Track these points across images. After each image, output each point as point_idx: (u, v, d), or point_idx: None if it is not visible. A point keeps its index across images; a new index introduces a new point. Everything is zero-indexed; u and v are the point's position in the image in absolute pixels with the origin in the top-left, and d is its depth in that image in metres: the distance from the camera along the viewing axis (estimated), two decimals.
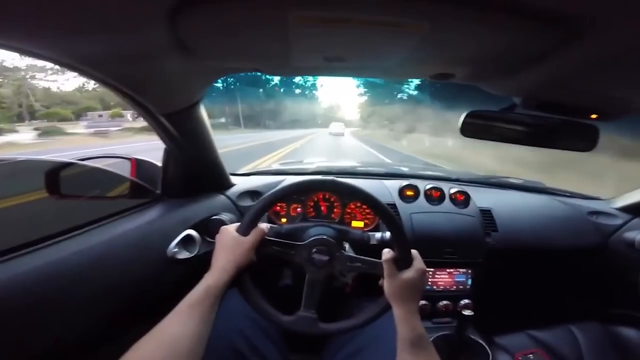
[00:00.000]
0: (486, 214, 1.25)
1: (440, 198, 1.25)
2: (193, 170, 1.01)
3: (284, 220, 1.16)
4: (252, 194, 1.19)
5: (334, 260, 0.73)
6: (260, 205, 0.71)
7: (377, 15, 0.44)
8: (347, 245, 0.87)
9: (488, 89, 0.75)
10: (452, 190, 1.26)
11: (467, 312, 1.02)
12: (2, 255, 0.60)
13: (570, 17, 0.41)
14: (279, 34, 0.50)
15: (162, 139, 0.89)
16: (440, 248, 1.15)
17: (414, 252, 0.70)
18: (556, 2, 0.39)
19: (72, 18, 0.42)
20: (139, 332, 0.53)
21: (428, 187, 1.27)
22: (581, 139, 0.78)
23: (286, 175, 1.38)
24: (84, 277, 0.66)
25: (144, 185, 0.96)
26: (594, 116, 0.74)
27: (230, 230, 0.70)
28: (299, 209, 1.16)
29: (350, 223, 1.16)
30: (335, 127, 28.16)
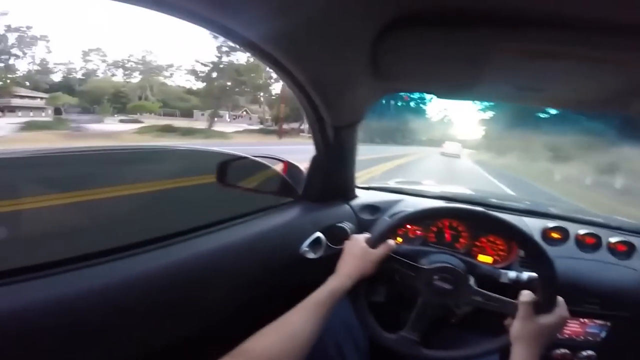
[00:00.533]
0: None
1: (596, 246, 1.08)
2: (331, 178, 1.09)
3: (399, 240, 1.14)
4: (371, 208, 1.22)
5: (458, 290, 0.71)
6: (395, 222, 0.74)
7: (584, 49, 0.42)
8: (472, 280, 0.82)
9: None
10: (612, 239, 1.07)
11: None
12: (150, 244, 0.65)
13: None
14: (477, 63, 0.52)
15: (317, 146, 1.00)
16: (583, 298, 1.00)
17: (559, 298, 0.66)
18: None
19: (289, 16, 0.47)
20: (265, 320, 0.58)
21: (581, 231, 1.10)
22: None
23: (405, 194, 1.37)
24: (224, 270, 0.74)
25: (290, 185, 1.09)
26: None
27: (360, 240, 0.74)
28: (418, 232, 1.13)
29: (476, 256, 1.08)
30: (451, 147, 22.77)
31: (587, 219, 1.26)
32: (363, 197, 1.27)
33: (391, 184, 1.59)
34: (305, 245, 0.95)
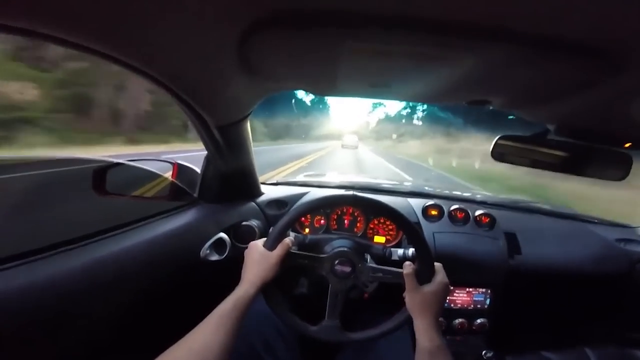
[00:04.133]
0: (511, 237, 1.25)
1: (465, 219, 1.26)
2: (230, 177, 1.06)
3: (307, 230, 1.20)
4: (279, 203, 1.24)
5: (356, 271, 0.76)
6: (285, 221, 0.75)
7: (424, 47, 0.48)
8: (368, 258, 0.90)
9: (522, 116, 0.77)
10: (478, 213, 1.26)
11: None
12: (40, 253, 0.61)
13: (610, 52, 0.43)
14: (333, 61, 0.55)
15: (206, 147, 0.95)
16: (461, 268, 1.15)
17: (437, 265, 0.73)
18: (597, 38, 0.41)
19: (154, 31, 0.46)
20: (170, 330, 0.57)
21: (453, 207, 1.28)
22: (614, 168, 0.78)
23: (311, 187, 1.42)
24: (121, 276, 0.69)
25: (183, 189, 1.02)
26: (627, 145, 0.74)
27: (258, 245, 0.74)
28: (322, 221, 1.20)
29: (372, 238, 1.19)
30: (349, 139, 26.38)
31: (457, 196, 1.50)
32: (269, 193, 1.27)
33: (298, 178, 1.63)
34: (206, 248, 0.91)
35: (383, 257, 0.91)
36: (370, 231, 1.19)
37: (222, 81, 0.65)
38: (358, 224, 1.20)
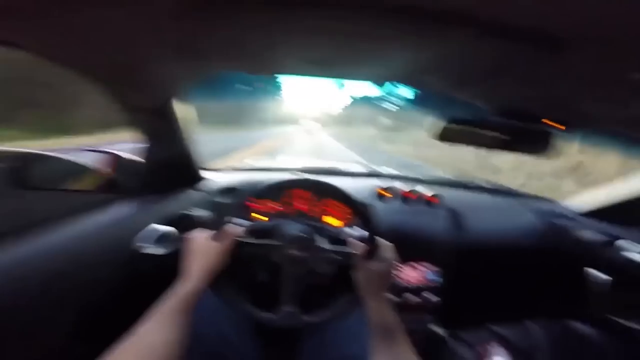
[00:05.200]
0: (455, 214, 1.33)
1: (414, 199, 1.32)
2: (168, 165, 1.00)
3: (259, 217, 1.16)
4: (229, 190, 1.19)
5: (310, 255, 0.76)
6: (231, 209, 0.72)
7: (360, 26, 0.47)
8: (323, 241, 0.90)
9: (460, 96, 0.80)
10: (425, 191, 1.32)
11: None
12: None
13: (544, 36, 0.45)
14: (266, 37, 0.53)
15: (137, 133, 0.88)
16: (410, 246, 1.19)
17: (384, 242, 0.74)
18: (533, 21, 0.42)
19: (69, 13, 0.42)
20: (112, 331, 0.53)
21: (402, 187, 1.33)
22: (544, 146, 0.83)
23: (263, 172, 1.39)
24: (52, 274, 0.64)
25: (119, 179, 0.94)
26: (558, 125, 0.80)
27: (200, 236, 0.69)
28: (274, 206, 1.17)
29: (326, 220, 1.19)
30: (310, 125, 28.43)
31: (407, 176, 1.56)
32: (217, 179, 1.23)
33: (251, 163, 1.58)
34: (144, 242, 0.85)
35: (337, 239, 0.91)
36: (324, 213, 1.19)
37: (147, 62, 0.60)
38: (312, 207, 1.19)
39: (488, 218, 1.39)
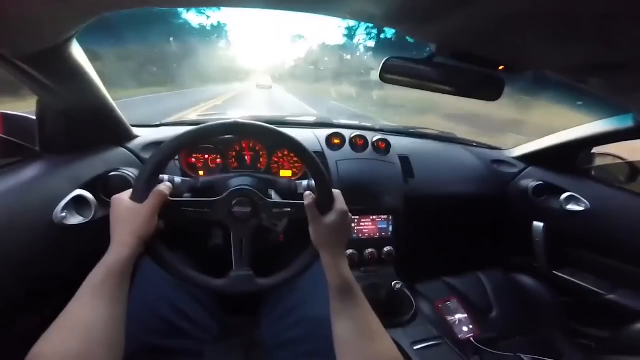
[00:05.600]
0: (405, 161, 1.33)
1: (364, 146, 1.30)
2: (77, 120, 0.85)
3: (201, 173, 1.05)
4: (157, 144, 1.03)
5: (258, 210, 0.67)
6: (153, 162, 0.60)
7: None
8: (274, 194, 0.83)
9: (406, 34, 0.74)
10: (375, 138, 1.31)
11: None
12: None
13: None
14: None
15: (28, 87, 0.72)
16: (363, 195, 1.19)
17: (335, 192, 0.67)
18: None
19: None
20: (39, 310, 0.48)
21: (353, 135, 1.30)
22: (489, 89, 0.83)
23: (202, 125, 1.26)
24: None
25: (14, 142, 0.79)
26: (501, 68, 0.78)
27: (123, 198, 0.59)
28: (218, 160, 1.06)
29: (278, 173, 1.11)
30: (262, 79, 26.94)
31: (358, 125, 1.52)
32: (147, 136, 1.09)
33: (190, 117, 1.45)
34: (59, 210, 0.74)
35: (289, 192, 0.85)
36: (275, 165, 1.11)
37: None
38: (261, 159, 1.09)
39: (436, 164, 1.41)
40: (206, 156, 1.05)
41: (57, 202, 0.74)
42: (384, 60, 0.76)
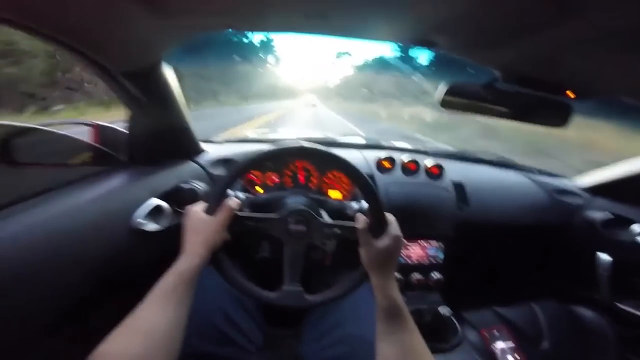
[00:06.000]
0: (459, 187, 1.28)
1: (416, 170, 1.27)
2: (160, 135, 0.95)
3: (259, 189, 1.12)
4: (227, 162, 1.14)
5: (311, 229, 0.71)
6: (226, 180, 0.67)
7: None
8: (325, 215, 0.86)
9: (470, 60, 0.74)
10: (428, 163, 1.27)
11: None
12: None
13: None
14: None
15: (123, 102, 0.83)
16: (414, 219, 1.17)
17: (389, 217, 0.69)
18: None
19: None
20: (110, 308, 0.51)
21: (405, 159, 1.28)
22: (555, 116, 0.80)
23: (262, 143, 1.33)
24: (39, 252, 0.61)
25: (106, 152, 0.89)
26: (569, 94, 0.75)
27: (197, 210, 0.66)
28: (275, 178, 1.13)
29: (328, 193, 1.15)
30: (308, 98, 30.82)
31: (409, 148, 1.50)
32: (215, 151, 1.17)
33: (250, 135, 1.53)
34: (138, 217, 0.82)
35: (339, 212, 0.87)
36: (326, 186, 1.14)
37: (116, 19, 0.54)
38: (312, 179, 1.14)
39: (492, 192, 1.34)
40: (265, 174, 1.12)
41: (136, 209, 0.82)
42: (443, 86, 0.76)
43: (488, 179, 1.40)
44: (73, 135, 0.86)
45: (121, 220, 0.80)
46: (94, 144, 0.88)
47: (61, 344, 0.60)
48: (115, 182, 0.84)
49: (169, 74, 0.85)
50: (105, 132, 0.90)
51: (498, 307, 1.29)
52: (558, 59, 0.63)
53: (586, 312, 1.32)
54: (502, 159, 1.62)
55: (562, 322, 1.27)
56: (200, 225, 0.64)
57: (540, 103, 0.78)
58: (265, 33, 0.73)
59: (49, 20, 0.51)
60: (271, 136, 1.53)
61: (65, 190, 0.75)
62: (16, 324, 0.57)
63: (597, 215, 1.31)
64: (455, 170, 1.33)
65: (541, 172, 1.55)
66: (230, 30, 0.70)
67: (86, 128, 0.89)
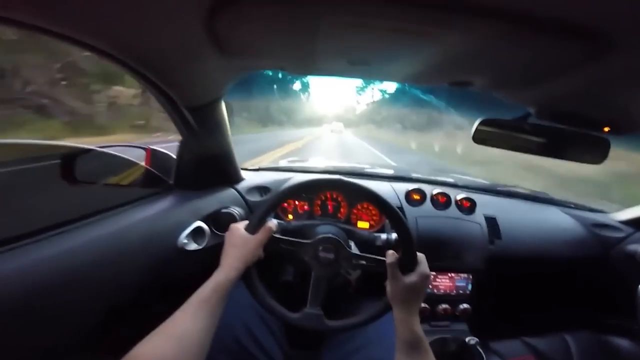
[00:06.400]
0: (491, 221, 1.26)
1: (447, 204, 1.26)
2: (206, 163, 1.02)
3: (290, 217, 1.17)
4: (261, 189, 1.20)
5: (339, 258, 0.75)
6: (268, 204, 0.73)
7: (404, 23, 0.45)
8: (352, 245, 0.88)
9: (504, 98, 0.76)
10: (459, 197, 1.26)
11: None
12: (6, 244, 0.58)
13: (595, 34, 0.41)
14: (308, 36, 0.52)
15: (180, 130, 0.91)
16: (443, 252, 1.16)
17: (420, 255, 0.71)
18: (583, 19, 0.40)
19: (115, 9, 0.43)
20: (149, 321, 0.54)
21: (435, 192, 1.27)
22: (592, 152, 0.78)
23: (294, 172, 1.39)
24: (93, 267, 0.66)
25: (157, 175, 0.97)
26: (606, 129, 0.74)
27: (239, 228, 0.72)
28: (305, 207, 1.18)
29: (356, 223, 1.17)
30: (335, 125, 32.65)
31: (439, 180, 1.50)
32: (251, 179, 1.23)
33: (281, 163, 1.59)
34: (183, 237, 0.88)
35: (367, 243, 0.89)
36: (354, 216, 1.17)
37: (191, 59, 0.62)
38: (341, 209, 1.17)
39: (526, 226, 1.31)
40: (296, 202, 1.18)
41: (181, 230, 0.89)
42: (477, 122, 0.78)
43: (522, 214, 1.37)
44: (129, 158, 0.95)
45: (168, 240, 0.86)
46: (146, 166, 0.96)
47: (114, 346, 0.64)
48: (163, 205, 0.91)
49: (223, 107, 0.93)
50: (156, 156, 0.99)
51: (527, 338, 1.24)
52: (592, 95, 0.64)
53: (624, 342, 1.24)
54: (537, 193, 1.58)
55: (597, 352, 1.21)
56: (241, 241, 0.70)
57: (575, 139, 0.77)
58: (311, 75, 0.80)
59: (136, 53, 0.58)
60: (302, 164, 1.59)
61: (120, 211, 0.83)
62: (70, 327, 0.62)
63: (637, 248, 1.25)
64: (487, 205, 1.31)
65: (578, 207, 1.50)
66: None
67: (141, 151, 0.98)
